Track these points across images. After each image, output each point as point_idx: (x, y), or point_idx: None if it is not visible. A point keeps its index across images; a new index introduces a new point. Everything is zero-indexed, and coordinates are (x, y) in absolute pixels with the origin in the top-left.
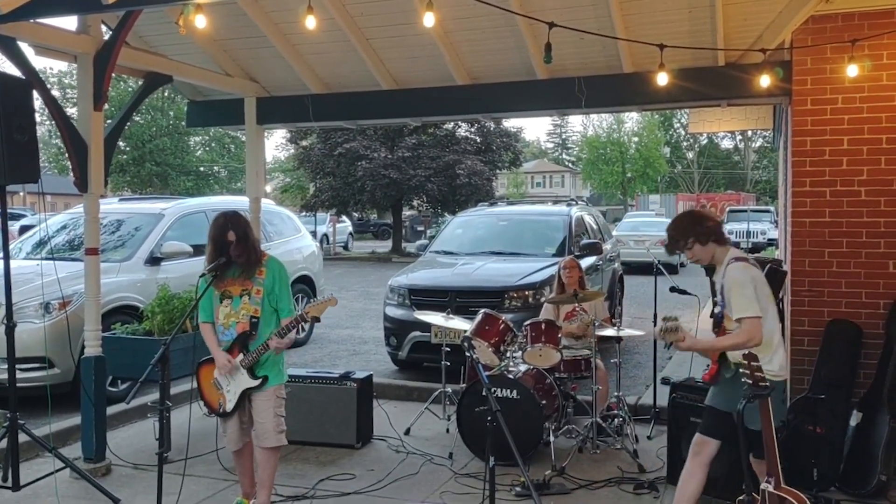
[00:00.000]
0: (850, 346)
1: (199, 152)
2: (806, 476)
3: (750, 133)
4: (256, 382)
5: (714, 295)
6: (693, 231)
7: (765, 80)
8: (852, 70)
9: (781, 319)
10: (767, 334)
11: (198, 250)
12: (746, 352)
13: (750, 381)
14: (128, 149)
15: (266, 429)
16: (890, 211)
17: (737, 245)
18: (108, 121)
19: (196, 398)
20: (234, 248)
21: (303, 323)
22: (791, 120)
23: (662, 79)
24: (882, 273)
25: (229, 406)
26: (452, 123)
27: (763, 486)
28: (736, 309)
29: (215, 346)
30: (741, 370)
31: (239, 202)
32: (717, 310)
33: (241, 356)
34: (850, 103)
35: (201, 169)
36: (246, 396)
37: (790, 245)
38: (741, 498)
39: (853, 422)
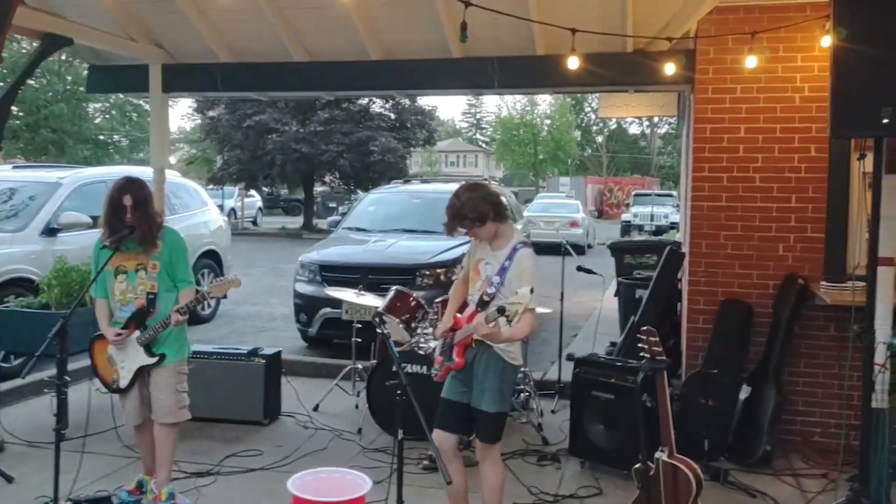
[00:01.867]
0: (742, 324)
1: (99, 120)
2: (697, 446)
3: (656, 119)
4: (153, 360)
5: (477, 270)
6: (480, 207)
7: (670, 68)
8: (751, 61)
9: (680, 299)
10: None
11: (97, 222)
12: (645, 328)
13: (648, 355)
14: (21, 114)
15: (164, 405)
16: (782, 197)
17: (641, 228)
18: (0, 84)
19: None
20: (130, 213)
21: (204, 302)
22: (693, 107)
23: (573, 62)
24: (772, 255)
25: (123, 382)
26: (367, 99)
27: (657, 454)
28: (528, 299)
29: (105, 322)
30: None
31: (142, 173)
32: (490, 290)
33: (136, 333)
34: (748, 93)
35: (101, 137)
36: (144, 372)
37: (689, 227)
38: (637, 466)
39: (742, 395)
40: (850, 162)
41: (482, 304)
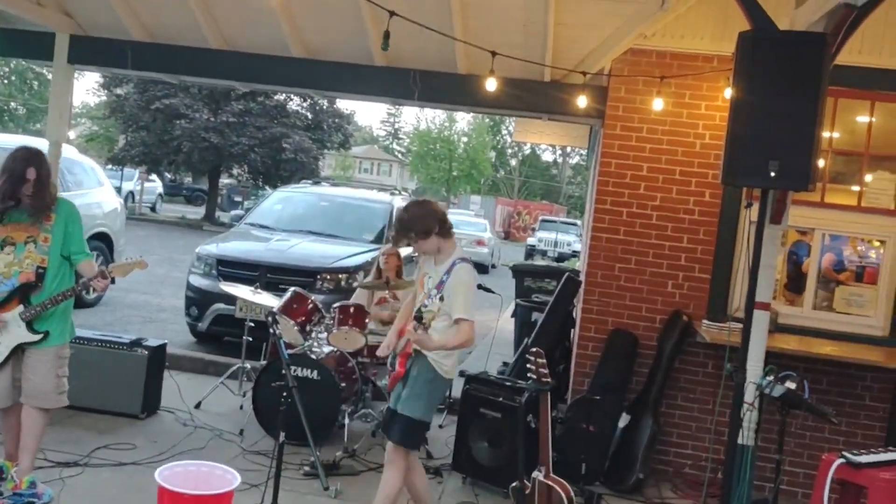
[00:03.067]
0: (627, 354)
1: None
2: (575, 469)
3: (569, 150)
4: (36, 337)
5: (422, 284)
6: (426, 223)
7: (582, 101)
8: (658, 104)
9: (574, 325)
10: None
11: None
12: (534, 349)
13: (535, 377)
14: None
15: (42, 389)
16: (675, 236)
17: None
18: None
19: None
20: (29, 188)
21: (104, 281)
22: (601, 141)
23: (491, 84)
24: (661, 291)
25: None
26: (284, 95)
27: (535, 474)
28: (460, 310)
29: None
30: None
31: (37, 144)
32: (426, 301)
33: (20, 308)
34: (653, 134)
35: None
36: (19, 351)
37: (587, 257)
38: (514, 484)
39: (621, 423)
40: (740, 210)
41: (418, 315)
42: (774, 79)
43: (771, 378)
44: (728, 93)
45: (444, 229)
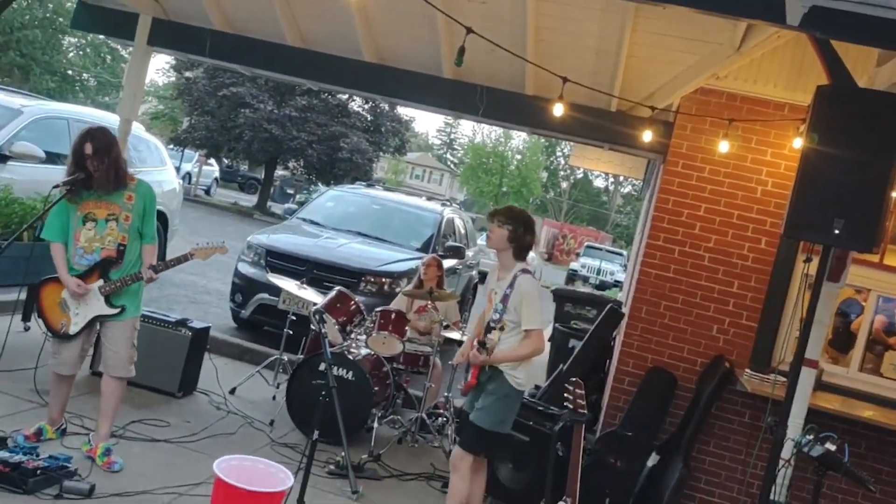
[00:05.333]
0: (664, 393)
1: (72, 55)
2: (598, 502)
3: (621, 178)
4: (114, 311)
5: (490, 300)
6: (518, 224)
7: (647, 135)
8: (723, 146)
9: (610, 357)
10: None
11: (51, 159)
12: (574, 379)
13: (571, 406)
14: None
15: (119, 359)
16: (725, 280)
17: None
18: None
19: (29, 310)
20: (92, 163)
21: (154, 276)
22: (661, 177)
23: (558, 109)
24: (706, 335)
25: (73, 329)
26: (346, 95)
27: (560, 503)
28: (527, 320)
29: (63, 270)
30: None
31: (108, 119)
32: (495, 315)
33: (100, 282)
34: (715, 175)
35: (69, 72)
36: (96, 323)
37: (633, 290)
38: None
39: (650, 462)
40: (796, 262)
41: (488, 330)
42: (849, 136)
43: (811, 437)
44: (797, 143)
45: (521, 244)
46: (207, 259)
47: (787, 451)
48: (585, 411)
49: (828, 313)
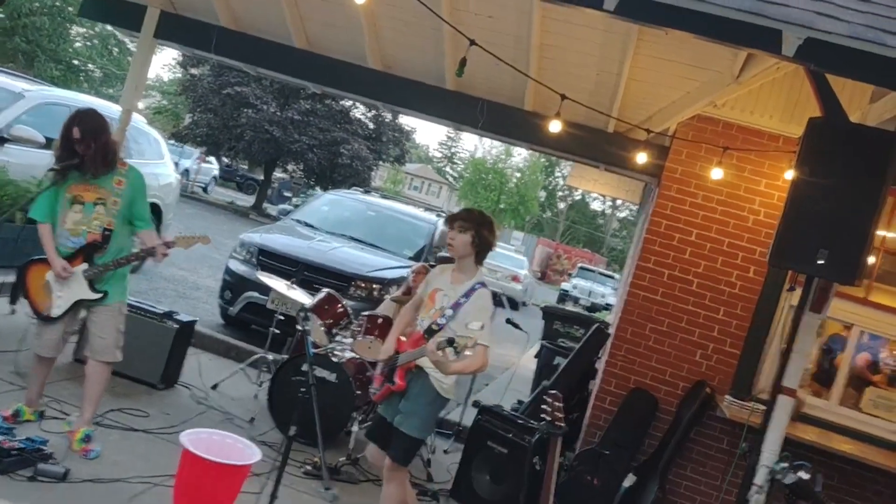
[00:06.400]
0: (644, 414)
1: (78, 44)
2: None
3: (618, 202)
4: (96, 296)
5: (433, 299)
6: (481, 227)
7: (642, 157)
8: (717, 173)
9: (594, 376)
10: None
11: (50, 144)
12: (553, 392)
13: (549, 419)
14: (1, 16)
15: (105, 344)
16: (712, 306)
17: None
18: None
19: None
20: (80, 146)
21: (166, 250)
22: (655, 201)
23: (555, 126)
24: (689, 359)
25: (55, 312)
26: (350, 102)
27: None
28: (481, 335)
29: (52, 250)
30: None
31: (110, 108)
32: (440, 320)
33: (83, 266)
34: (708, 202)
35: (75, 62)
36: (80, 307)
37: (621, 311)
38: None
39: (627, 483)
40: (782, 292)
41: (429, 332)
42: (837, 169)
43: (786, 465)
44: (789, 174)
45: (483, 248)
46: (189, 248)
47: (760, 477)
48: (563, 424)
49: (809, 343)
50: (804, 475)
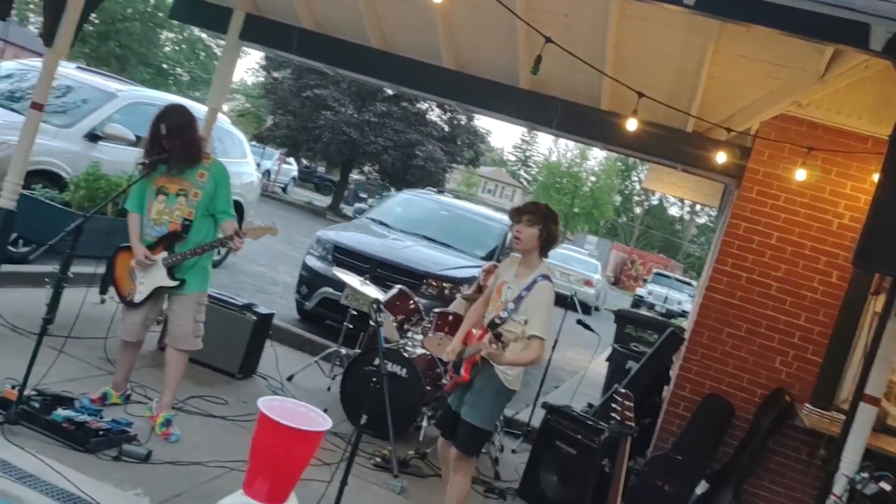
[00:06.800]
0: (720, 421)
1: (168, 49)
2: None
3: (697, 208)
4: (174, 284)
5: (500, 291)
6: (547, 221)
7: (721, 157)
8: (800, 174)
9: (668, 382)
10: None
11: (140, 142)
12: (623, 391)
13: (618, 419)
14: (96, 21)
15: (182, 332)
16: (793, 312)
17: (652, 307)
18: None
19: (106, 283)
20: (165, 141)
21: (239, 240)
22: (734, 202)
23: (632, 124)
24: (768, 365)
25: (138, 297)
26: (425, 104)
27: None
28: (537, 327)
29: (136, 238)
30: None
31: (197, 109)
32: (503, 314)
33: (164, 254)
34: (791, 204)
35: (164, 66)
36: (161, 294)
37: (696, 315)
38: None
39: (699, 490)
40: (867, 299)
41: (492, 325)
42: None
43: (866, 475)
44: (878, 177)
45: (549, 239)
46: (258, 238)
47: (839, 487)
48: (633, 424)
49: (894, 350)
50: (886, 486)
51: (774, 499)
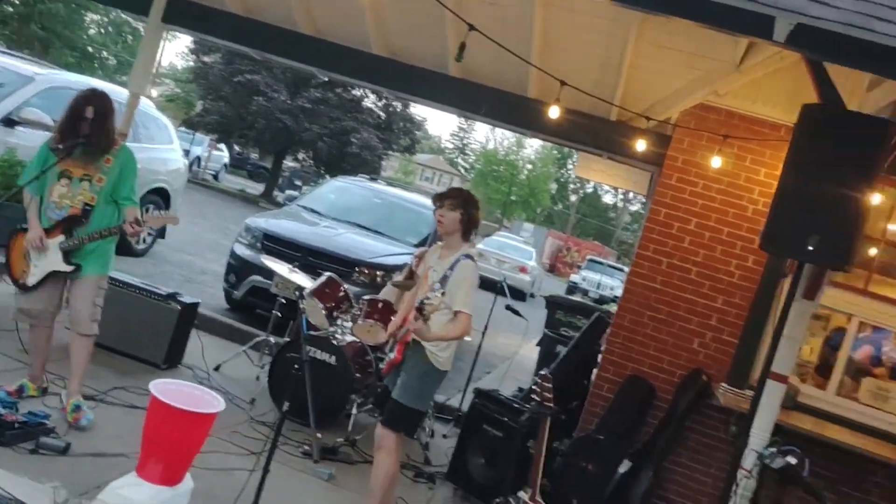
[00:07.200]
0: (641, 402)
1: (93, 31)
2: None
3: (631, 195)
4: (69, 268)
5: (427, 277)
6: (468, 205)
7: (641, 145)
8: (716, 162)
9: (595, 365)
10: None
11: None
12: (543, 373)
13: (538, 400)
14: (16, 2)
15: (80, 315)
16: (710, 295)
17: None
18: None
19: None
20: (86, 126)
21: (138, 228)
22: (655, 189)
23: (554, 112)
24: (687, 347)
25: (31, 280)
26: (360, 91)
27: (520, 493)
28: (460, 303)
29: (35, 219)
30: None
31: (120, 94)
32: (430, 295)
33: (61, 238)
34: (708, 191)
35: (89, 49)
36: (61, 279)
37: (621, 300)
38: (498, 500)
39: (622, 469)
40: (781, 282)
41: (420, 307)
42: (830, 155)
43: (774, 449)
44: None
45: (471, 223)
46: (159, 226)
47: (749, 462)
48: (551, 405)
49: (800, 330)
50: (792, 460)
51: (692, 475)
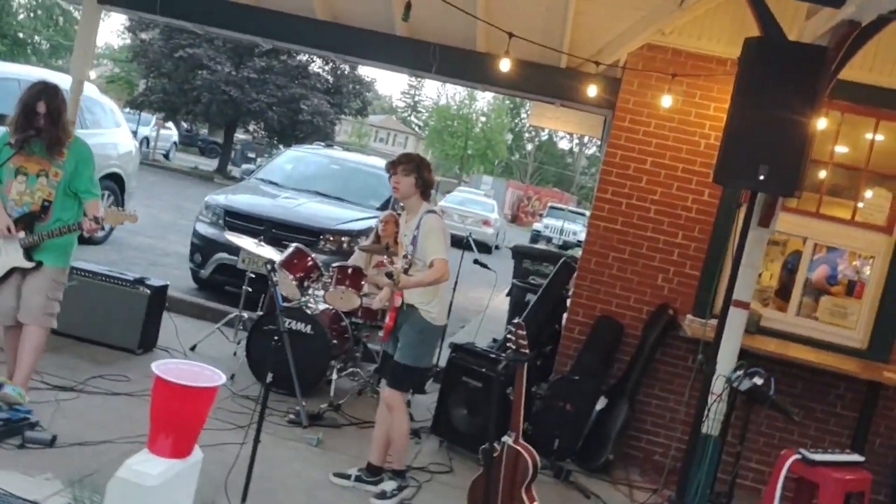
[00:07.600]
0: (611, 340)
1: (22, 16)
2: (548, 445)
3: (586, 140)
4: (30, 265)
5: (401, 244)
6: (420, 169)
7: (592, 90)
8: (667, 100)
9: (565, 309)
10: None
11: (3, 120)
12: (516, 322)
13: (514, 347)
14: None
15: (32, 306)
16: (670, 231)
17: (549, 240)
18: None
19: None
20: (40, 121)
21: (96, 226)
22: (609, 132)
23: (505, 65)
24: (651, 283)
25: None
26: (306, 56)
27: (504, 438)
28: (431, 251)
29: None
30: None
31: (60, 79)
32: (406, 258)
33: (22, 234)
34: (661, 129)
35: (20, 35)
36: (18, 273)
37: (585, 243)
38: (484, 446)
39: (599, 406)
40: (736, 212)
41: (389, 275)
42: (774, 86)
43: (740, 373)
44: None
45: (426, 184)
46: (117, 224)
47: (718, 387)
48: (527, 351)
49: (758, 257)
50: (758, 381)
51: (665, 404)
